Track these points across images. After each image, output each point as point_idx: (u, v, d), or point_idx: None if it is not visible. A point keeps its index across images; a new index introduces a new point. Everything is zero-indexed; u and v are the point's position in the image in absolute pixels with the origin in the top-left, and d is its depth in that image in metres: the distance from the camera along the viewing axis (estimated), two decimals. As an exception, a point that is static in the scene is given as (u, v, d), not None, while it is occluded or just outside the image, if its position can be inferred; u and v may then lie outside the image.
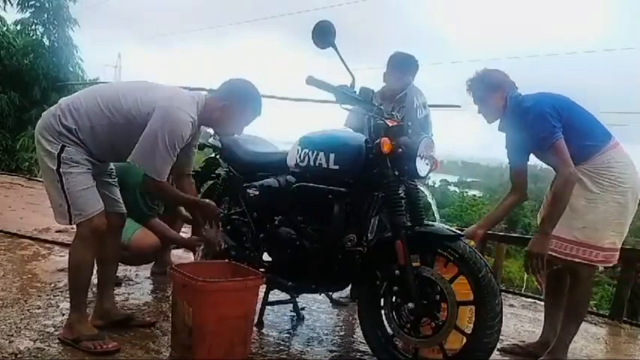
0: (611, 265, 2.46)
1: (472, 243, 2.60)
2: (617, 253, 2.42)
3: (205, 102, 2.32)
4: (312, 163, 2.40)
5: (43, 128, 2.23)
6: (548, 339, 2.62)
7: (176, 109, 2.18)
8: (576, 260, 2.37)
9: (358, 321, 2.45)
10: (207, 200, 2.56)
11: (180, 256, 3.90)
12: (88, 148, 2.24)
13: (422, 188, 2.45)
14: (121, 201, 2.49)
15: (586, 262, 2.37)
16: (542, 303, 4.02)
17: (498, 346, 2.76)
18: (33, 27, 12.56)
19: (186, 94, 2.29)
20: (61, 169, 2.18)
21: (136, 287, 3.20)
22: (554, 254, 2.39)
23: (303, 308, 3.02)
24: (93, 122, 2.21)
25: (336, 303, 3.24)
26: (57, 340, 2.27)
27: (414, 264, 2.17)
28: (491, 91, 2.53)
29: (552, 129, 2.33)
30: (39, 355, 2.13)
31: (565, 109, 2.39)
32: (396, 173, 2.23)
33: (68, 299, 2.46)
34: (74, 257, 2.27)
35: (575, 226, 2.35)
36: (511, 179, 2.67)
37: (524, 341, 2.83)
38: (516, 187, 2.64)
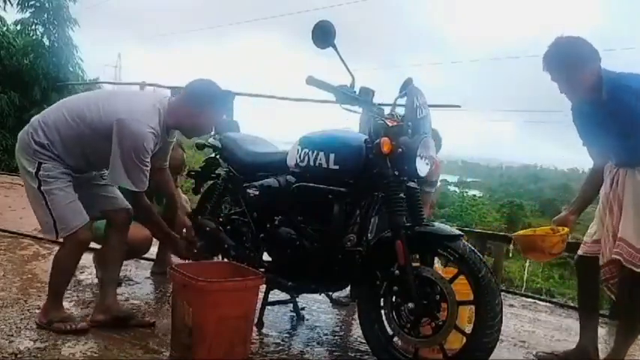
0: None
1: (566, 230, 2.49)
2: None
3: (169, 108, 2.35)
4: (312, 163, 2.40)
5: (21, 148, 2.31)
6: (587, 347, 2.52)
7: (134, 121, 2.22)
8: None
9: (358, 321, 2.45)
10: (179, 237, 2.65)
11: (180, 256, 3.90)
12: (64, 160, 2.29)
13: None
14: (121, 196, 2.50)
15: None
16: (543, 303, 4.04)
17: (533, 352, 2.73)
18: (33, 27, 12.55)
19: (147, 103, 2.32)
20: (42, 187, 2.25)
21: (136, 287, 3.20)
22: (630, 266, 2.23)
23: (303, 308, 3.01)
24: (62, 135, 2.26)
25: (336, 303, 3.24)
26: (57, 340, 2.27)
27: (414, 264, 2.17)
28: (580, 69, 2.18)
29: None
30: (39, 355, 2.13)
31: None
32: (396, 173, 2.23)
33: (68, 299, 2.48)
34: (57, 265, 2.38)
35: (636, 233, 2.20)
36: (592, 157, 2.48)
37: (552, 351, 2.72)
38: (598, 167, 2.47)
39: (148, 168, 2.28)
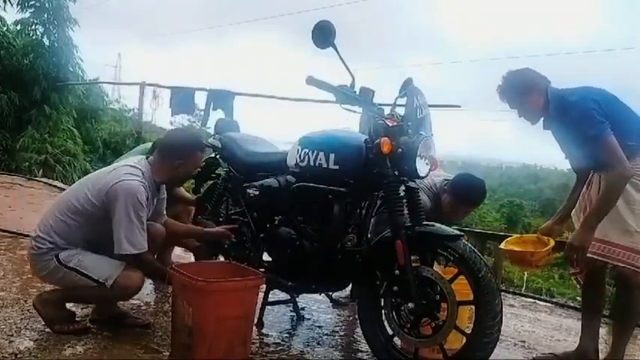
0: None
1: (552, 242, 2.53)
2: None
3: (152, 167, 2.41)
4: (312, 163, 2.40)
5: (34, 262, 2.37)
6: (587, 349, 2.54)
7: (121, 182, 2.26)
8: (620, 265, 2.29)
9: (358, 321, 2.45)
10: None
11: (180, 256, 3.90)
12: (71, 249, 2.34)
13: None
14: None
15: (630, 267, 2.27)
16: (543, 303, 4.05)
17: (533, 353, 2.74)
18: (33, 27, 12.51)
19: (128, 167, 2.37)
20: (69, 265, 2.29)
21: (136, 287, 3.19)
22: (595, 257, 2.31)
23: (303, 308, 3.02)
24: (62, 236, 2.32)
25: (336, 303, 3.24)
26: (57, 340, 2.27)
27: (413, 264, 2.17)
28: (527, 93, 2.42)
29: (600, 125, 2.23)
30: (39, 355, 2.13)
31: (608, 106, 2.29)
32: (396, 173, 2.23)
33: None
34: (95, 294, 2.36)
35: (615, 229, 2.28)
36: (574, 171, 2.64)
37: (551, 353, 2.73)
38: (581, 178, 2.58)
39: (144, 226, 2.29)
